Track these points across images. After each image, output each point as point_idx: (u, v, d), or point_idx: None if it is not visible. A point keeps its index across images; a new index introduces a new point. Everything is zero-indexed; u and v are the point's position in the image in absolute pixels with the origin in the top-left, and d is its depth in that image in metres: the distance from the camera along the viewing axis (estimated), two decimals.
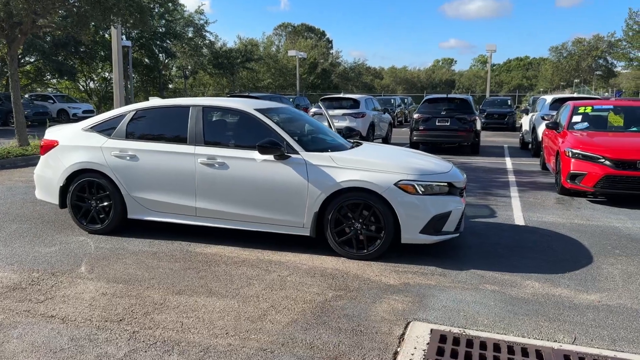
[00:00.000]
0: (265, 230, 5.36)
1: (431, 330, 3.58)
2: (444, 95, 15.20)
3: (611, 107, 9.32)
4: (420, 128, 14.33)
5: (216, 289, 4.33)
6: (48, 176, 5.99)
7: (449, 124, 14.10)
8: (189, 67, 36.66)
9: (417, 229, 4.92)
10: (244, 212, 5.32)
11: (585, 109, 9.32)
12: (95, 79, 41.24)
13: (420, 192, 4.92)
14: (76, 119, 26.77)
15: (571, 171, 7.92)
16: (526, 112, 16.20)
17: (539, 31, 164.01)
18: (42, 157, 6.10)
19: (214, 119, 5.81)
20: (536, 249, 5.57)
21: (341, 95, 16.74)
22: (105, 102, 39.48)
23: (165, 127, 5.84)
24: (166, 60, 39.99)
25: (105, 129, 5.92)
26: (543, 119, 13.49)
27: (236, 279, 4.55)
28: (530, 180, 10.09)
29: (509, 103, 28.23)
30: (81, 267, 4.80)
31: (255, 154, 5.28)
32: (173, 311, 3.88)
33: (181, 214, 5.57)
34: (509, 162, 13.00)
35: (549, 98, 14.38)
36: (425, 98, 15.27)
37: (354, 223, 5.07)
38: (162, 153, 5.54)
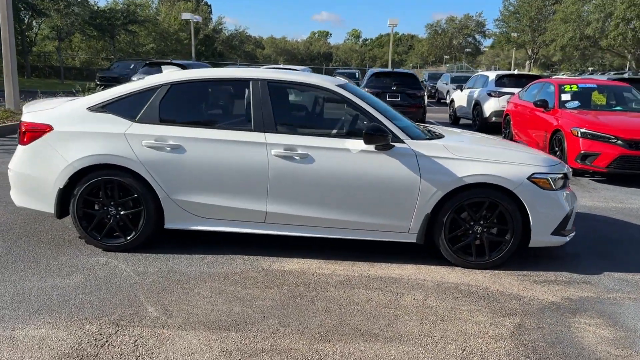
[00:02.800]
0: (357, 237, 4.32)
1: None
2: (390, 70, 14.71)
3: (595, 86, 9.44)
4: None
5: (363, 327, 3.27)
6: (37, 175, 4.27)
7: (399, 99, 13.63)
8: (65, 28, 31.95)
9: (550, 230, 4.24)
10: (332, 216, 4.22)
11: (571, 87, 9.32)
12: None
13: (554, 187, 4.24)
14: None
15: (582, 151, 7.79)
16: (460, 88, 16.35)
17: (407, 7, 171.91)
18: (23, 148, 4.33)
19: (284, 97, 4.53)
20: (623, 240, 5.22)
21: (281, 66, 15.43)
22: None
23: (216, 108, 4.45)
24: (28, 20, 34.53)
25: (125, 109, 4.33)
26: (490, 95, 13.61)
27: (371, 309, 3.51)
28: None
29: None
30: (147, 307, 3.40)
31: (347, 143, 4.17)
32: None
33: (245, 221, 4.29)
34: None
35: (491, 75, 14.56)
36: (372, 72, 14.63)
37: (473, 226, 4.25)
38: (220, 142, 4.17)
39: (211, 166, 4.16)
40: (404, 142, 4.20)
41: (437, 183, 4.12)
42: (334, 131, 4.34)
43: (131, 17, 37.24)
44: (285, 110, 4.47)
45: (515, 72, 15.48)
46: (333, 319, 3.35)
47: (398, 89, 13.66)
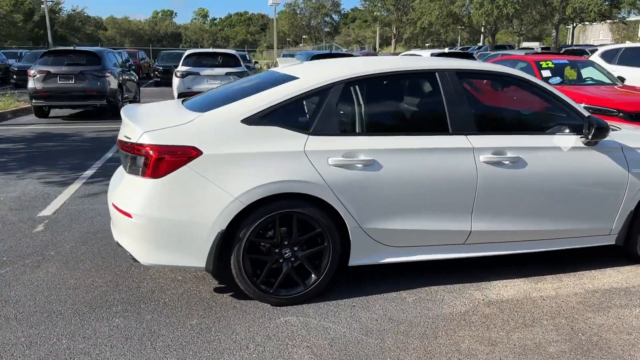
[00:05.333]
0: (559, 247, 3.79)
1: None
2: (328, 52, 14.05)
3: (567, 61, 9.84)
4: None
5: None
6: (184, 218, 3.01)
7: None
8: None
9: None
10: (539, 227, 3.62)
11: (547, 64, 9.61)
12: None
13: None
14: None
15: None
16: None
17: None
18: (154, 183, 3.00)
19: (474, 90, 3.75)
20: None
21: (211, 50, 13.82)
22: None
23: (401, 109, 3.54)
24: None
25: (292, 118, 3.24)
26: None
27: None
28: None
29: None
30: None
31: (555, 140, 3.60)
32: None
33: (443, 245, 3.52)
34: None
35: (425, 54, 14.65)
36: (313, 54, 13.81)
37: None
38: (418, 152, 3.30)
39: (411, 182, 3.30)
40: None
41: None
42: (536, 127, 3.74)
43: None
44: (480, 106, 3.74)
45: (446, 50, 15.84)
46: None
47: None
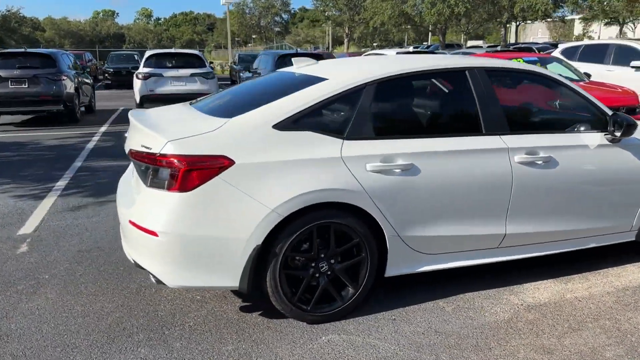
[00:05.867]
0: (584, 246, 3.73)
1: None
2: (294, 51, 13.79)
3: (537, 59, 10.02)
4: None
5: None
6: (216, 234, 2.73)
7: None
8: None
9: None
10: (565, 226, 3.55)
11: (519, 61, 9.74)
12: None
13: None
14: None
15: None
16: None
17: None
18: (181, 197, 2.70)
19: (501, 88, 3.62)
20: None
21: (174, 50, 13.26)
22: None
23: (433, 109, 3.37)
24: None
25: (325, 122, 3.04)
26: None
27: None
28: None
29: None
30: None
31: (583, 138, 3.55)
32: None
33: (477, 250, 3.38)
34: None
35: (391, 52, 14.64)
36: (279, 54, 13.51)
37: None
38: (456, 155, 3.15)
39: (449, 186, 3.15)
40: None
41: None
42: (563, 125, 3.65)
43: None
44: (508, 105, 3.62)
45: (411, 49, 15.89)
46: None
47: None
